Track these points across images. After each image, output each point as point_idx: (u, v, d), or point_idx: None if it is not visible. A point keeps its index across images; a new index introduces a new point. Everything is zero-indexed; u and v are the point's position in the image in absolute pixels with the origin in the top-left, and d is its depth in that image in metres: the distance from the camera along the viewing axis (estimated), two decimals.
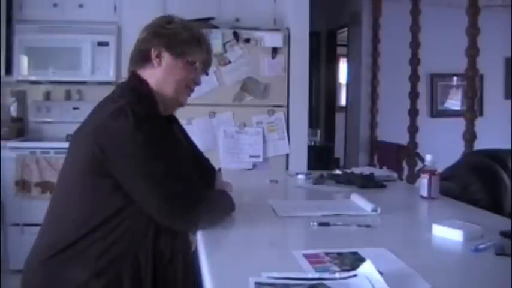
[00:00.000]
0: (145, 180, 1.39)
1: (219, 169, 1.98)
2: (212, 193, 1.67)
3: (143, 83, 1.53)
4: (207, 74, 1.67)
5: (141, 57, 1.55)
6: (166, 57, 1.53)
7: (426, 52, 4.56)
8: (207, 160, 1.90)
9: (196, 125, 3.56)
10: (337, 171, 2.44)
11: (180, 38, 1.53)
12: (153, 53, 1.52)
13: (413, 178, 4.34)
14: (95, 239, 1.40)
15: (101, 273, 1.40)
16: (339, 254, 1.23)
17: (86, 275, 1.39)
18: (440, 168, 2.00)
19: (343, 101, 6.49)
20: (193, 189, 1.46)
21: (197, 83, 1.62)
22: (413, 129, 4.57)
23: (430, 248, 1.40)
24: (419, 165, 4.27)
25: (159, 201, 1.39)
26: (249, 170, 3.53)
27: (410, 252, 1.32)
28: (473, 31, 3.53)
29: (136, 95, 1.49)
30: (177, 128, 1.77)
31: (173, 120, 1.75)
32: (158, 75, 1.54)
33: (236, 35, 3.58)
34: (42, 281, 1.45)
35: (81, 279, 1.39)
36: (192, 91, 1.63)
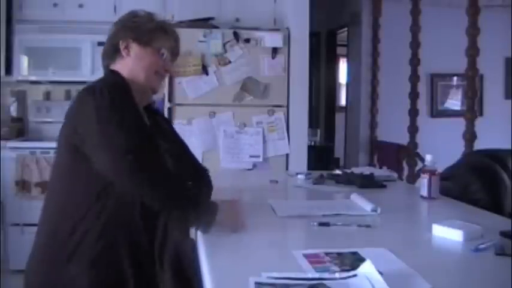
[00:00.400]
0: (104, 137, 1.40)
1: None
2: (198, 190, 1.62)
3: (116, 73, 1.58)
4: (174, 58, 1.71)
5: (112, 51, 1.61)
6: (134, 47, 1.59)
7: (426, 52, 4.56)
8: (197, 161, 1.87)
9: (196, 125, 3.56)
10: (337, 171, 2.44)
11: (146, 28, 1.61)
12: (122, 45, 1.59)
13: (413, 178, 4.34)
14: (85, 229, 1.42)
15: (97, 262, 1.42)
16: (339, 254, 1.23)
17: (84, 265, 1.42)
18: (440, 168, 2.00)
19: (343, 101, 6.49)
20: (160, 162, 1.46)
21: (167, 70, 1.67)
22: (413, 129, 4.57)
23: (430, 248, 1.40)
24: (419, 165, 4.27)
25: (113, 155, 1.39)
26: (249, 170, 3.53)
27: (410, 252, 1.32)
28: (473, 31, 3.53)
29: (110, 81, 1.54)
30: (162, 121, 1.81)
31: (158, 113, 1.81)
32: (129, 65, 1.59)
33: (236, 35, 3.58)
34: (43, 280, 1.46)
35: (78, 270, 1.41)
36: (163, 78, 1.68)
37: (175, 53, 1.70)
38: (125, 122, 1.41)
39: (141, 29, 1.60)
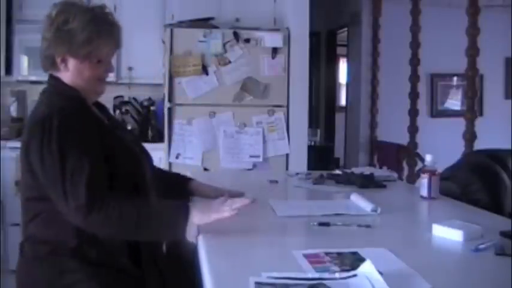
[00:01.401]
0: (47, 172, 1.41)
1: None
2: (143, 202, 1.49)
3: (60, 82, 1.56)
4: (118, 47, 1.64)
5: (48, 62, 1.57)
6: (71, 61, 1.53)
7: (426, 52, 4.56)
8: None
9: (196, 125, 3.56)
10: (337, 171, 2.44)
11: (81, 40, 1.50)
12: (58, 60, 1.53)
13: (413, 178, 4.34)
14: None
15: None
16: (339, 254, 1.23)
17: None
18: (440, 168, 2.00)
19: (343, 101, 6.49)
20: (97, 185, 1.40)
21: (107, 70, 1.61)
22: (413, 129, 4.57)
23: (430, 248, 1.40)
24: (419, 165, 4.26)
25: (58, 201, 1.39)
26: (249, 170, 3.53)
27: (410, 252, 1.32)
28: (473, 31, 3.52)
29: (59, 98, 1.52)
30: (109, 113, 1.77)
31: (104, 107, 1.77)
32: (69, 78, 1.55)
33: (236, 35, 3.57)
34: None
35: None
36: (106, 79, 1.63)
37: (116, 47, 1.61)
38: (69, 160, 1.38)
39: (76, 40, 1.50)
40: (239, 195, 1.74)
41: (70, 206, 1.37)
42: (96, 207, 1.36)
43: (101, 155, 1.45)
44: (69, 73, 1.54)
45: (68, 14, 1.51)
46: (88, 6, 1.57)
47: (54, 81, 1.57)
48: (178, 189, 1.84)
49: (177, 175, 1.96)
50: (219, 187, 1.83)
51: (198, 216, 1.38)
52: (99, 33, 1.52)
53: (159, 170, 1.94)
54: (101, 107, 1.72)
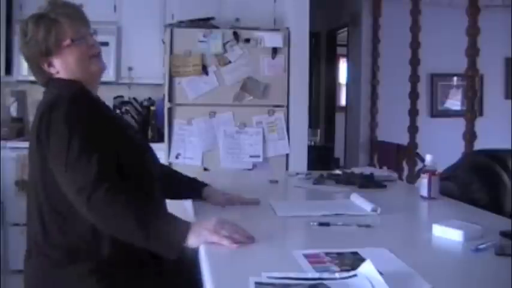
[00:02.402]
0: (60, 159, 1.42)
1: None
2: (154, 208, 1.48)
3: (60, 80, 1.59)
4: (93, 33, 1.66)
5: (41, 73, 1.61)
6: (54, 60, 1.57)
7: (426, 52, 4.55)
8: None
9: (196, 125, 3.56)
10: (337, 171, 2.44)
11: (42, 36, 1.54)
12: (45, 67, 1.58)
13: (413, 178, 4.34)
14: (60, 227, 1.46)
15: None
16: (339, 254, 1.23)
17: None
18: (440, 168, 2.00)
19: (343, 101, 6.49)
20: (109, 177, 1.40)
21: (92, 46, 1.62)
22: (413, 129, 4.57)
23: (430, 248, 1.40)
24: (419, 165, 4.26)
25: (69, 191, 1.41)
26: (249, 170, 3.53)
27: (410, 252, 1.32)
28: (473, 31, 3.52)
29: (65, 89, 1.55)
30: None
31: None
32: (64, 75, 1.59)
33: (236, 35, 3.57)
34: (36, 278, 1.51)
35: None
36: (98, 54, 1.64)
37: (82, 22, 1.62)
38: (79, 142, 1.40)
39: (40, 40, 1.54)
40: (254, 202, 1.78)
41: (78, 184, 1.38)
42: (104, 186, 1.36)
43: (108, 142, 1.47)
44: (61, 72, 1.58)
45: (23, 26, 1.58)
46: (38, 9, 1.60)
47: (55, 82, 1.60)
48: (193, 194, 1.84)
49: (194, 180, 1.92)
50: (234, 195, 1.81)
51: (194, 240, 1.32)
52: (52, 20, 1.55)
53: (175, 171, 1.96)
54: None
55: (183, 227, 1.35)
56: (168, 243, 1.35)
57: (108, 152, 1.45)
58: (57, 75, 1.59)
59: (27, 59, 1.60)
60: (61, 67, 1.57)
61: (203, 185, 1.88)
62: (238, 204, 1.76)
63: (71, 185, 1.40)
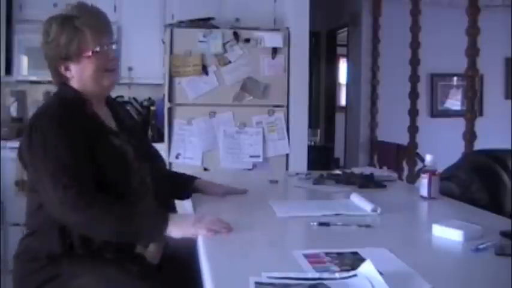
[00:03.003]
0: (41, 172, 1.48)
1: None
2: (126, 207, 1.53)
3: (68, 86, 1.62)
4: (114, 43, 1.69)
5: (56, 74, 1.63)
6: (71, 66, 1.60)
7: (426, 52, 4.55)
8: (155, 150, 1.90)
9: (196, 125, 3.56)
10: (337, 171, 2.44)
11: (64, 42, 1.56)
12: (62, 70, 1.61)
13: (413, 178, 4.34)
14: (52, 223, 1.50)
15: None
16: (339, 254, 1.23)
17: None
18: (440, 168, 2.00)
19: (343, 101, 6.49)
20: (87, 189, 1.46)
21: (111, 60, 1.64)
22: (413, 129, 4.57)
23: (430, 248, 1.40)
24: (419, 165, 4.26)
25: (46, 199, 1.47)
26: (249, 170, 3.53)
27: (410, 252, 1.32)
28: (473, 31, 3.52)
29: (56, 101, 1.61)
30: (121, 110, 1.82)
31: (118, 104, 1.87)
32: (77, 82, 1.61)
33: (236, 35, 3.57)
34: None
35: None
36: (114, 69, 1.67)
37: (104, 33, 1.64)
38: (53, 161, 1.45)
39: (61, 45, 1.57)
40: (242, 192, 1.92)
41: (56, 201, 1.43)
42: (81, 205, 1.42)
43: (86, 155, 1.49)
44: (75, 78, 1.60)
45: (47, 26, 1.61)
46: (64, 10, 1.62)
47: (62, 86, 1.64)
48: (184, 188, 1.89)
49: (182, 175, 1.99)
50: (223, 184, 1.94)
51: (175, 231, 1.43)
52: (77, 28, 1.56)
53: (169, 174, 2.01)
54: (114, 107, 1.75)
55: (163, 219, 1.45)
56: (149, 235, 1.48)
57: (86, 166, 1.48)
58: (71, 80, 1.61)
59: (46, 57, 1.62)
60: (76, 74, 1.60)
61: (193, 178, 1.93)
62: (233, 193, 1.90)
63: (50, 201, 1.46)
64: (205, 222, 1.43)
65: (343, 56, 6.31)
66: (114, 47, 1.67)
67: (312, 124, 5.37)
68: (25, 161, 1.54)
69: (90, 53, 1.57)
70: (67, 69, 1.60)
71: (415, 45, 4.48)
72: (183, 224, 1.44)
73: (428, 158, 1.97)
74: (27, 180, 1.61)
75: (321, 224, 1.52)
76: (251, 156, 3.59)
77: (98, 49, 1.59)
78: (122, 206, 1.50)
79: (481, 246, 1.30)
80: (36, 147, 1.48)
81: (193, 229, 1.41)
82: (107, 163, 1.54)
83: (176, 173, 2.05)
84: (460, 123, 3.64)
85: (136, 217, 1.47)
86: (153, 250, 1.59)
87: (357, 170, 2.41)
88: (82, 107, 1.59)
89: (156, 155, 1.84)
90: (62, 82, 1.63)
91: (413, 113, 4.59)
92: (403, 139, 4.60)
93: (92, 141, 1.53)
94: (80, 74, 1.59)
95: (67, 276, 1.49)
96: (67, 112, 1.54)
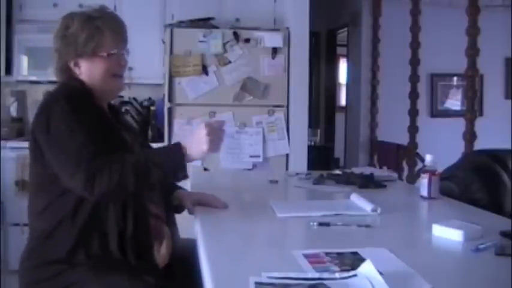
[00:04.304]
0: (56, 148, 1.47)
1: None
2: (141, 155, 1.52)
3: (76, 79, 1.61)
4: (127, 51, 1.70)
5: (64, 71, 1.62)
6: (83, 63, 1.60)
7: (426, 52, 4.55)
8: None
9: (196, 125, 3.55)
10: (337, 171, 2.44)
11: (82, 38, 1.58)
12: (71, 65, 1.60)
13: (413, 178, 4.34)
14: (62, 226, 1.48)
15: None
16: (339, 254, 1.23)
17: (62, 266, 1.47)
18: (440, 168, 2.00)
19: (343, 101, 6.49)
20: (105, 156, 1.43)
21: (122, 66, 1.66)
22: (413, 129, 4.57)
23: (430, 248, 1.40)
24: (419, 165, 4.26)
25: (66, 172, 1.44)
26: (249, 170, 3.53)
27: (410, 252, 1.32)
28: (473, 31, 3.52)
29: (67, 87, 1.60)
30: (122, 118, 1.84)
31: (119, 111, 1.88)
32: (85, 79, 1.61)
33: (236, 35, 3.58)
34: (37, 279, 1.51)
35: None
36: (122, 76, 1.68)
37: (123, 39, 1.67)
38: (77, 134, 1.43)
39: (79, 41, 1.58)
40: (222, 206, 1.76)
41: (77, 177, 1.40)
42: (95, 155, 1.41)
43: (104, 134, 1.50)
44: (84, 75, 1.61)
45: (67, 20, 1.62)
46: (86, 10, 1.65)
47: (69, 79, 1.62)
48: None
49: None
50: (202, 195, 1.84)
51: (195, 155, 1.50)
52: (97, 28, 1.59)
53: None
54: (114, 110, 1.76)
55: (178, 150, 1.47)
56: (173, 171, 1.48)
57: (102, 139, 1.48)
58: (79, 77, 1.61)
59: (57, 51, 1.62)
60: (86, 71, 1.60)
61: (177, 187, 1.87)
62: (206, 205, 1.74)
63: (66, 166, 1.43)
64: (215, 136, 1.48)
65: (343, 56, 6.31)
66: (127, 54, 1.69)
67: (312, 124, 5.37)
68: (37, 139, 1.50)
69: (105, 54, 1.59)
70: (77, 65, 1.60)
71: (415, 45, 4.48)
72: (197, 146, 1.48)
73: (428, 158, 1.97)
74: (32, 178, 1.58)
75: (321, 224, 1.52)
76: (251, 156, 3.59)
77: (113, 51, 1.61)
78: (136, 157, 1.47)
79: (481, 246, 1.30)
80: (54, 124, 1.46)
81: (208, 147, 1.46)
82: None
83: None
84: (460, 123, 3.64)
85: (156, 157, 1.47)
86: (164, 252, 1.57)
87: (357, 170, 2.41)
88: (91, 98, 1.59)
89: None
90: (67, 77, 1.62)
91: (413, 113, 4.59)
92: (403, 139, 4.60)
93: (106, 129, 1.54)
94: (89, 72, 1.60)
95: (80, 285, 1.46)
96: (82, 98, 1.55)
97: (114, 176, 1.39)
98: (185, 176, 1.51)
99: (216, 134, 1.49)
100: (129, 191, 1.43)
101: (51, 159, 1.47)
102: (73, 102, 1.50)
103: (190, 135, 1.51)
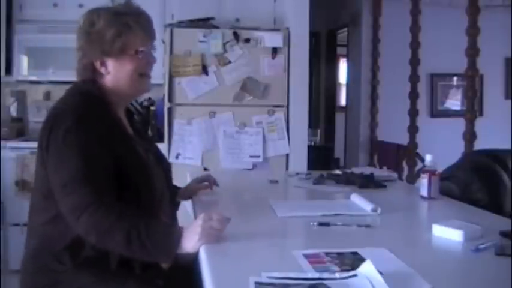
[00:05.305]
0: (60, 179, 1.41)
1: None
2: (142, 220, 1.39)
3: (94, 84, 1.55)
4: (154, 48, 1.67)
5: (88, 71, 1.55)
6: (110, 62, 1.53)
7: (426, 52, 4.55)
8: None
9: (196, 125, 3.56)
10: (337, 171, 2.44)
11: (110, 36, 1.51)
12: (97, 64, 1.53)
13: (413, 178, 4.34)
14: (68, 233, 1.44)
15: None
16: (339, 254, 1.23)
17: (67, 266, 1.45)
18: (440, 168, 2.00)
19: (343, 101, 6.49)
20: (108, 199, 1.39)
21: (150, 64, 1.62)
22: (413, 129, 4.57)
23: (430, 248, 1.40)
24: (419, 165, 4.26)
25: (66, 203, 1.39)
26: (249, 170, 3.53)
27: (410, 252, 1.32)
28: (473, 31, 3.52)
29: (81, 99, 1.52)
30: (139, 122, 1.83)
31: (136, 113, 1.82)
32: (111, 80, 1.55)
33: (236, 35, 3.57)
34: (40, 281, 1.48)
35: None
36: (149, 75, 1.63)
37: (149, 39, 1.61)
38: (73, 170, 1.37)
39: (106, 39, 1.50)
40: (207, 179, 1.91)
41: (70, 204, 1.38)
42: (94, 207, 1.35)
43: (109, 161, 1.43)
44: (110, 75, 1.54)
45: (93, 16, 1.54)
46: (111, 5, 1.58)
47: (89, 84, 1.55)
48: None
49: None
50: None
51: (190, 247, 1.32)
52: (126, 25, 1.52)
53: None
54: (130, 114, 1.71)
55: (174, 238, 1.33)
56: (160, 255, 1.36)
57: (106, 171, 1.42)
58: (105, 77, 1.55)
59: (80, 49, 1.54)
60: (113, 70, 1.54)
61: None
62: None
63: (65, 204, 1.39)
64: (215, 225, 1.33)
65: (343, 56, 6.31)
66: (155, 52, 1.64)
67: (312, 124, 5.37)
68: (43, 156, 1.45)
69: (133, 52, 1.53)
70: (103, 64, 1.53)
71: (415, 45, 4.48)
72: (194, 237, 1.31)
73: (428, 158, 1.97)
74: (38, 183, 1.52)
75: (321, 224, 1.52)
76: (251, 156, 3.59)
77: (142, 49, 1.55)
78: (136, 223, 1.36)
79: (481, 246, 1.30)
80: (58, 159, 1.40)
81: (206, 239, 1.31)
82: (132, 171, 1.48)
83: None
84: (460, 123, 3.64)
85: (151, 229, 1.35)
86: None
87: (356, 170, 2.41)
88: (107, 109, 1.54)
89: (165, 159, 1.80)
90: (90, 79, 1.55)
91: (413, 113, 4.59)
92: (403, 139, 4.60)
93: (118, 147, 1.47)
94: (116, 72, 1.53)
95: None
96: (93, 113, 1.47)
97: (106, 235, 1.35)
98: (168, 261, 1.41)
99: (214, 226, 1.34)
100: (110, 248, 1.40)
101: (49, 178, 1.43)
102: (81, 120, 1.42)
103: (190, 225, 1.37)
